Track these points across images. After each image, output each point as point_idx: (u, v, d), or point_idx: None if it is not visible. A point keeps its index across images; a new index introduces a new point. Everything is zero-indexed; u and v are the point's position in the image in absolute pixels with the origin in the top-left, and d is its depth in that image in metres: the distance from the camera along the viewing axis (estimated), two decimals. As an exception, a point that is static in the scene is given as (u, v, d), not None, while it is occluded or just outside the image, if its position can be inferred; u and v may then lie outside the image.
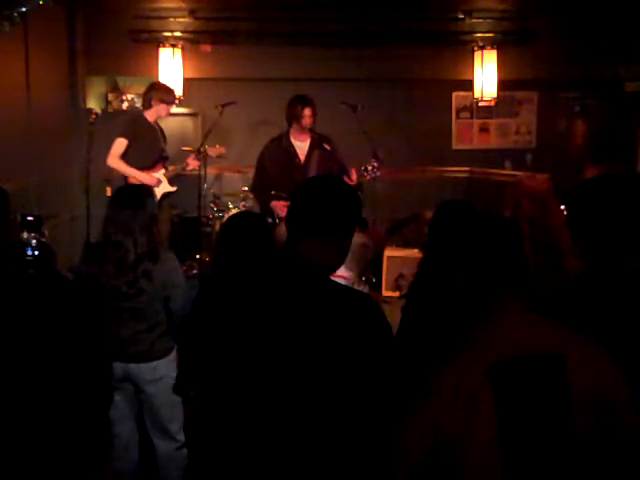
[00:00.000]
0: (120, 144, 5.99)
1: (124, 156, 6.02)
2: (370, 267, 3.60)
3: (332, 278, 3.31)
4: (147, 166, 6.13)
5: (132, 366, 3.44)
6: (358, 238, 3.45)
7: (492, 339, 1.91)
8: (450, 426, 1.84)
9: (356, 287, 3.37)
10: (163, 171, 6.26)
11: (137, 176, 5.99)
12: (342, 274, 3.37)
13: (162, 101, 6.14)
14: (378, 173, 5.79)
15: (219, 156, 6.85)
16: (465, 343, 1.94)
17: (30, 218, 2.46)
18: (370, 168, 5.79)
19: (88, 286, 3.34)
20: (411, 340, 2.72)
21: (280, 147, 5.85)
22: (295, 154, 5.83)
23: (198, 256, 6.73)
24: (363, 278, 3.63)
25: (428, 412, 1.87)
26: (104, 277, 3.35)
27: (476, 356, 1.88)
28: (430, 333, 2.62)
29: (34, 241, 2.36)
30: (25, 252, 2.32)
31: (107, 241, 3.37)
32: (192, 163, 6.41)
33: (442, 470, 1.86)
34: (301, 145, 5.84)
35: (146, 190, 3.66)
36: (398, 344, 2.81)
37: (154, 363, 3.46)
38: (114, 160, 6.00)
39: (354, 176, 5.62)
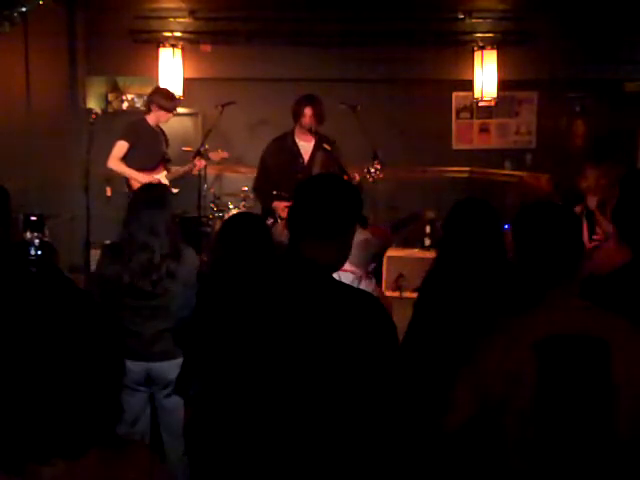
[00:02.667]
0: (121, 147, 5.99)
1: (125, 159, 6.02)
2: (374, 261, 3.58)
3: (340, 272, 3.33)
4: (148, 168, 6.13)
5: (156, 365, 3.46)
6: (360, 234, 3.46)
7: (541, 318, 1.98)
8: (492, 391, 1.91)
9: (363, 281, 3.38)
10: (164, 173, 6.25)
11: (137, 178, 5.97)
12: (348, 268, 3.38)
13: (160, 107, 6.12)
14: (381, 175, 5.75)
15: (222, 159, 6.85)
16: (516, 319, 2.02)
17: (33, 218, 2.47)
18: (373, 170, 5.73)
19: (107, 287, 3.36)
20: (424, 335, 2.76)
21: (284, 146, 5.79)
22: (299, 154, 5.77)
23: (198, 256, 6.71)
24: (370, 272, 3.63)
25: (475, 375, 1.96)
26: (128, 277, 3.37)
27: (525, 330, 1.96)
28: (446, 328, 2.66)
29: (37, 240, 2.37)
30: (28, 251, 2.32)
31: (131, 241, 3.39)
32: (199, 164, 6.34)
33: (485, 433, 1.93)
34: (305, 145, 5.78)
35: (167, 189, 3.67)
36: (409, 339, 2.83)
37: (177, 360, 3.43)
38: (114, 162, 6.01)
39: (356, 179, 5.55)
